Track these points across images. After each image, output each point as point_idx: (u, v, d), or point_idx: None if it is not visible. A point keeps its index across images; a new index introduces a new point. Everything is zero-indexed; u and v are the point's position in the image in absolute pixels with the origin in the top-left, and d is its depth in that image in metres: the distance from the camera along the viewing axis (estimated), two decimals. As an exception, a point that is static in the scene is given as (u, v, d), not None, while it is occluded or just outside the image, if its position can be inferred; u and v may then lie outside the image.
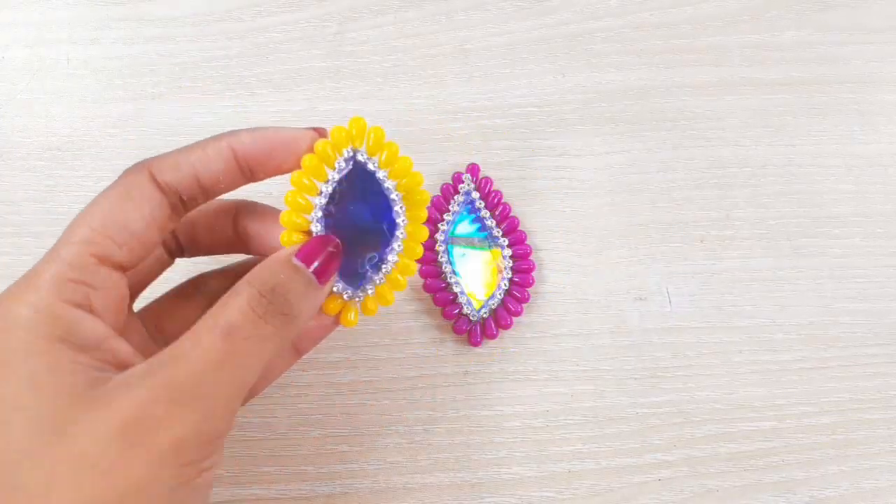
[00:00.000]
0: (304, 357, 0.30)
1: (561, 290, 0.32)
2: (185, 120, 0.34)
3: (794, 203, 0.34)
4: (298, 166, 0.22)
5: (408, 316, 0.31)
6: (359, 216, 0.24)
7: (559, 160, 0.34)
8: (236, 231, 0.23)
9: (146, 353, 0.19)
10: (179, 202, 0.21)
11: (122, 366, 0.18)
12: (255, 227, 0.23)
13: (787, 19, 0.38)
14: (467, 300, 0.31)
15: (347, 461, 0.29)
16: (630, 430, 0.30)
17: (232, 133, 0.21)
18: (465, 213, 0.33)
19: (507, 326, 0.31)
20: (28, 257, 0.29)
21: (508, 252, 0.32)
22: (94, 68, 0.35)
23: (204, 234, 0.24)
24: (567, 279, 0.32)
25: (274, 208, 0.23)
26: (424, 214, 0.25)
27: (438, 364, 0.31)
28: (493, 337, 0.31)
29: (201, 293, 0.24)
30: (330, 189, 0.22)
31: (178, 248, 0.24)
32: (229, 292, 0.19)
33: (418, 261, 0.27)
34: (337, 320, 0.23)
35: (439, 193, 0.33)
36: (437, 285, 0.31)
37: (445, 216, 0.32)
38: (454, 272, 0.31)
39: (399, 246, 0.24)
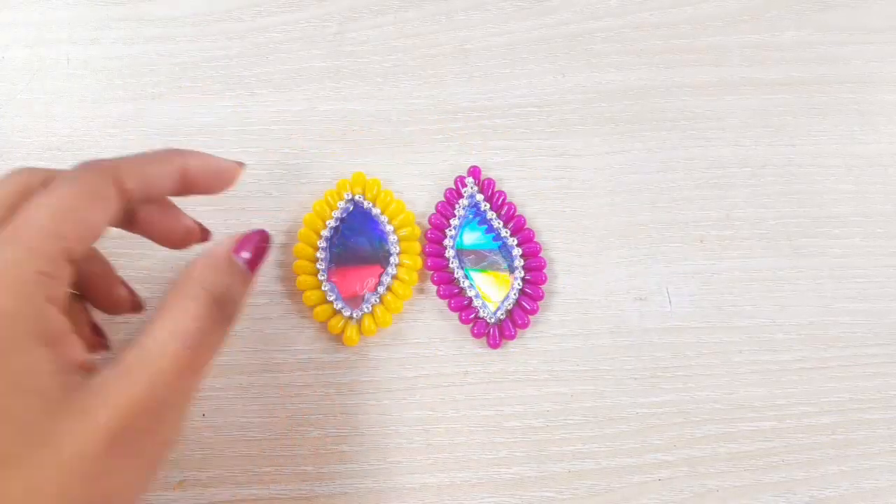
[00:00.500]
0: (303, 357, 0.30)
1: (561, 290, 0.32)
2: (185, 120, 0.34)
3: (794, 203, 0.34)
4: (222, 192, 0.24)
5: (408, 316, 0.31)
6: (358, 245, 0.31)
7: (559, 160, 0.34)
8: (136, 217, 0.24)
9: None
10: (129, 207, 0.22)
11: (78, 363, 0.18)
12: (156, 216, 0.24)
13: (787, 19, 0.38)
14: (482, 303, 0.31)
15: (347, 461, 0.29)
16: (630, 430, 0.30)
17: (182, 153, 0.23)
18: (470, 216, 0.32)
19: (524, 326, 0.31)
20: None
21: (521, 262, 0.31)
22: (94, 68, 0.35)
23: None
24: (567, 279, 0.32)
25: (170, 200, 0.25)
26: (417, 247, 0.31)
27: (438, 364, 0.31)
28: (511, 338, 0.31)
29: None
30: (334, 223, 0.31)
31: None
32: (181, 293, 0.20)
33: (429, 268, 0.32)
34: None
35: (442, 198, 0.32)
36: (450, 291, 0.31)
37: (452, 221, 0.32)
38: (466, 276, 0.31)
39: (394, 270, 0.30)
